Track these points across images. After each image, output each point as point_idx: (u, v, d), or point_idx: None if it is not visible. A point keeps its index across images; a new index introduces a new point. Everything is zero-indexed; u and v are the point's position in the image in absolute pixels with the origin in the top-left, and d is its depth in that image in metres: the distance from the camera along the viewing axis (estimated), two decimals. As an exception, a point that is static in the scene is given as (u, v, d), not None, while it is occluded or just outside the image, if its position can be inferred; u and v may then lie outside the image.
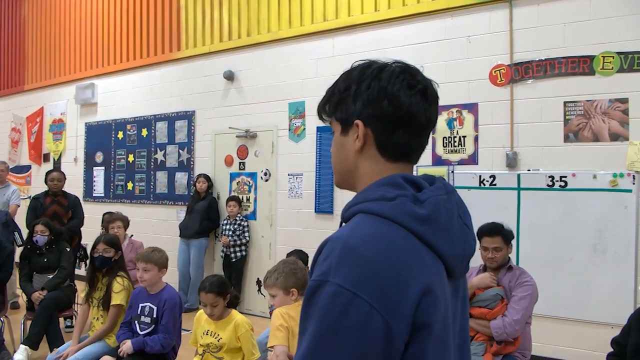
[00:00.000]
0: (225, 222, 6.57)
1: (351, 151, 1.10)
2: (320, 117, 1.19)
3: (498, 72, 5.00)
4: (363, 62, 1.11)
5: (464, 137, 5.19)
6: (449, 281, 1.03)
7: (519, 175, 4.85)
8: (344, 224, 1.06)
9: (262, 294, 6.51)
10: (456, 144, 5.24)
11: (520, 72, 4.88)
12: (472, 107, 5.15)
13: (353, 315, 0.89)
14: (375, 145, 1.08)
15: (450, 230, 1.03)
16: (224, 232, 6.49)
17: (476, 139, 5.13)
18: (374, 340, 0.89)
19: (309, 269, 1.07)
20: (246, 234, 6.54)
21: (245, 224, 6.58)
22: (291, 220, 6.27)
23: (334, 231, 1.01)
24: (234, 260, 6.46)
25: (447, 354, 1.01)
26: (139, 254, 3.42)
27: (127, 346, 3.26)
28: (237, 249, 6.49)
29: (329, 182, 5.99)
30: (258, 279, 6.55)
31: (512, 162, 4.87)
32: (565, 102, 4.68)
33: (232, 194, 6.86)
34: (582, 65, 4.61)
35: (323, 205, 6.04)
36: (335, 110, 1.12)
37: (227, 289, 3.13)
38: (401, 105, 1.05)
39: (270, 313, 4.19)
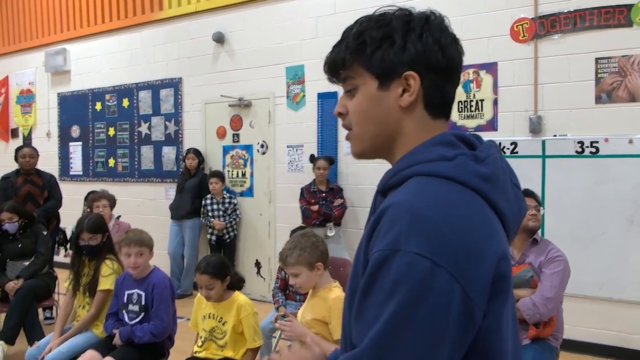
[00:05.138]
0: (209, 202, 6.46)
1: (394, 108, 1.06)
2: (334, 73, 1.12)
3: (520, 26, 4.91)
4: (391, 9, 1.08)
5: (482, 100, 5.13)
6: None
7: (543, 142, 4.80)
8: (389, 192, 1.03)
9: (261, 276, 6.50)
10: (473, 108, 5.19)
11: (546, 26, 4.80)
12: (491, 67, 5.07)
13: (433, 285, 0.88)
14: (423, 100, 1.06)
15: (506, 189, 1.05)
16: (212, 214, 6.43)
17: (495, 102, 5.07)
18: (455, 312, 0.89)
19: (361, 245, 1.02)
20: (237, 212, 6.52)
21: (235, 201, 6.55)
22: (292, 196, 6.22)
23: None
24: (228, 241, 6.43)
25: (516, 322, 1.03)
26: (128, 238, 3.36)
27: (115, 338, 3.25)
28: (230, 229, 6.47)
29: (332, 153, 5.94)
30: (257, 260, 6.53)
31: (536, 127, 4.82)
32: (597, 59, 4.61)
33: (227, 168, 6.81)
34: (618, 15, 4.52)
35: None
36: (370, 60, 1.06)
37: (225, 271, 3.10)
38: (452, 58, 1.07)
39: (273, 296, 4.22)
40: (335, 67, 1.11)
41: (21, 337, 4.51)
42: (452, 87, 1.09)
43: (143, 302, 3.31)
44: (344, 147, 5.86)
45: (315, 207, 5.59)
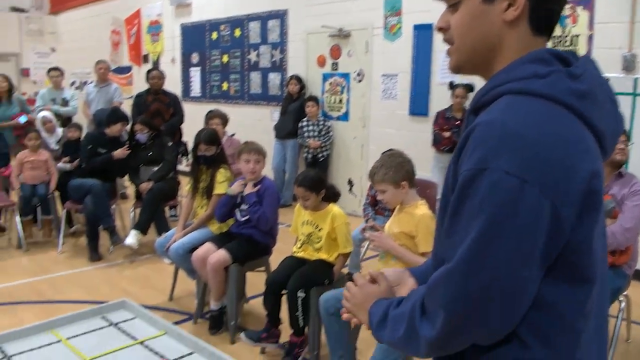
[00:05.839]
0: (305, 124, 6.53)
1: (497, 22, 0.97)
2: None
3: (621, -39, 4.43)
4: None
5: (577, 36, 4.74)
6: None
7: (635, 80, 4.41)
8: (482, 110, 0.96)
9: (353, 193, 6.59)
10: (567, 44, 4.81)
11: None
12: (588, 3, 4.65)
13: (522, 203, 0.83)
14: (527, 15, 0.96)
15: (604, 106, 0.95)
16: (308, 135, 6.50)
17: (590, 38, 4.67)
18: (543, 228, 0.85)
19: (451, 164, 0.98)
20: (330, 134, 6.55)
21: (329, 124, 6.57)
22: (384, 122, 6.16)
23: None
24: (321, 160, 6.52)
25: (605, 239, 0.97)
26: (248, 146, 3.49)
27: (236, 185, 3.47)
28: (324, 148, 6.52)
29: (425, 82, 5.76)
30: (349, 179, 6.61)
31: (629, 65, 4.43)
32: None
33: (325, 94, 6.80)
34: None
35: (418, 107, 5.86)
36: None
37: (320, 185, 3.15)
38: None
39: (363, 210, 4.28)
40: None
41: (151, 229, 4.89)
42: (557, 5, 0.98)
43: (254, 201, 3.44)
44: (438, 77, 5.66)
45: (447, 134, 5.30)
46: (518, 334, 0.91)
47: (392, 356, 2.37)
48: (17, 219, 5.21)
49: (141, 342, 1.96)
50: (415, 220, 2.58)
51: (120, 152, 5.09)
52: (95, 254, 4.92)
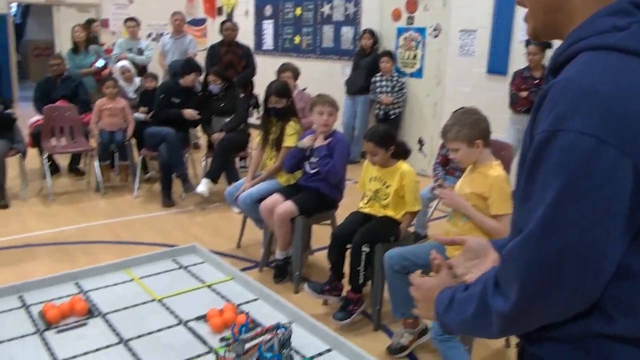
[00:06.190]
0: (378, 79, 6.39)
1: None
2: None
3: None
4: None
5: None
6: None
7: None
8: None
9: (423, 153, 6.45)
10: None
11: None
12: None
13: (598, 164, 0.78)
14: None
15: None
16: (380, 90, 6.36)
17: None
18: (624, 189, 0.79)
19: (528, 127, 0.92)
20: (404, 90, 6.38)
21: (402, 80, 6.39)
22: (460, 80, 5.93)
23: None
24: (392, 117, 6.38)
25: None
26: (322, 98, 3.47)
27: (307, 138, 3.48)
28: (396, 105, 6.37)
29: (505, 39, 5.46)
30: (420, 138, 6.46)
31: None
32: None
33: (399, 50, 6.61)
34: None
35: (496, 65, 5.58)
36: None
37: (390, 140, 3.07)
38: None
39: (433, 169, 4.18)
40: None
41: (222, 178, 4.99)
42: None
43: (325, 154, 3.41)
44: (519, 35, 5.35)
45: (525, 94, 5.01)
46: (600, 305, 0.86)
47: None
48: (96, 163, 5.46)
49: (209, 286, 2.02)
50: (489, 181, 2.47)
51: (190, 113, 5.17)
52: (168, 200, 5.10)
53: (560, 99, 0.82)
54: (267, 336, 1.43)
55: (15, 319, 1.75)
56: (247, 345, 1.41)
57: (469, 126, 2.48)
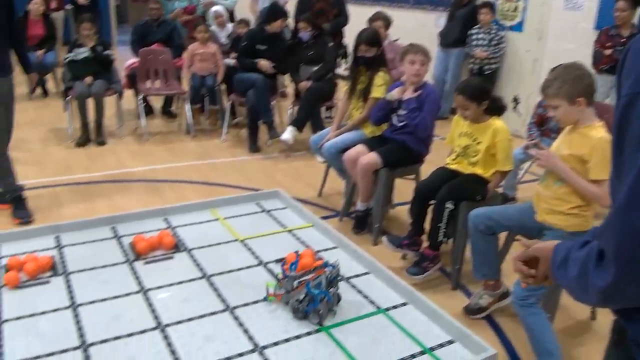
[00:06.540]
0: (475, 31, 6.06)
1: None
2: None
3: None
4: None
5: None
6: None
7: None
8: None
9: (517, 112, 6.13)
10: None
11: None
12: None
13: None
14: None
15: None
16: (477, 44, 6.04)
17: None
18: None
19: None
20: (502, 45, 6.02)
21: (502, 33, 6.02)
22: (564, 36, 5.50)
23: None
24: (487, 72, 6.06)
25: None
26: (415, 47, 3.34)
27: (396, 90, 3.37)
28: (492, 60, 6.04)
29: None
30: (515, 96, 6.13)
31: None
32: None
33: (499, 1, 6.21)
34: None
35: (606, 21, 5.10)
36: None
37: (483, 95, 2.91)
38: None
39: (528, 129, 3.95)
40: None
41: (307, 127, 5.02)
42: None
43: (414, 107, 3.32)
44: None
45: (609, 52, 4.71)
46: None
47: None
48: (187, 106, 5.63)
49: (289, 231, 2.04)
50: (591, 143, 2.29)
51: (265, 65, 5.13)
52: (254, 146, 5.20)
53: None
54: (315, 274, 1.49)
55: (108, 248, 1.86)
56: (296, 282, 1.47)
57: (572, 82, 2.29)
